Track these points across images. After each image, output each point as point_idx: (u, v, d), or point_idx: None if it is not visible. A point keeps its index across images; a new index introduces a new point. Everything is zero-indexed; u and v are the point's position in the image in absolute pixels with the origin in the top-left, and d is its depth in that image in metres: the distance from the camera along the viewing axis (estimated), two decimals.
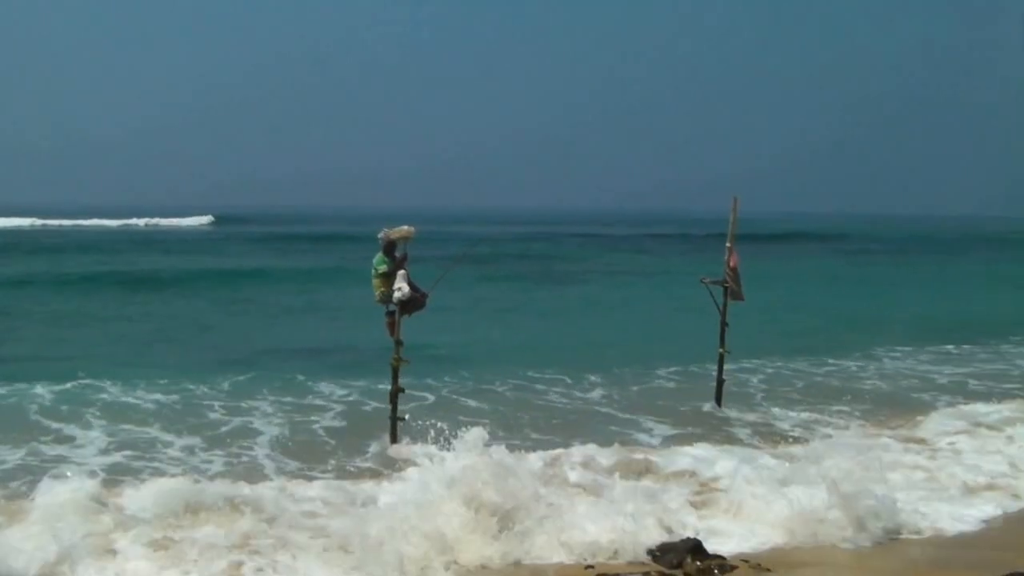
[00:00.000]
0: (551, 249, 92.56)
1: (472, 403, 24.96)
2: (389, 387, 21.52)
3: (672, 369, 29.05)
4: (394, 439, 21.36)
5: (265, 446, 20.99)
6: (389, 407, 21.57)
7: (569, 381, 27.56)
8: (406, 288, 21.26)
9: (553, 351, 31.90)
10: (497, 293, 51.35)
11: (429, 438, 18.54)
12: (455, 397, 25.54)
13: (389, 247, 21.50)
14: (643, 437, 22.13)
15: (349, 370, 27.87)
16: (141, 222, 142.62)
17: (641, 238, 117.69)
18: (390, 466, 19.51)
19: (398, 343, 21.47)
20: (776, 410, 24.59)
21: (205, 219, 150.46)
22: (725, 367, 24.79)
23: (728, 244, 24.39)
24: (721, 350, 24.62)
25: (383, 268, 21.40)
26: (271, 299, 47.10)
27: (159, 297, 47.69)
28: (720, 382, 24.74)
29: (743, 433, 22.58)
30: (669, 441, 21.74)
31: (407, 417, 21.78)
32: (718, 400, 24.65)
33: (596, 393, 26.36)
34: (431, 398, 25.26)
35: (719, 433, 22.46)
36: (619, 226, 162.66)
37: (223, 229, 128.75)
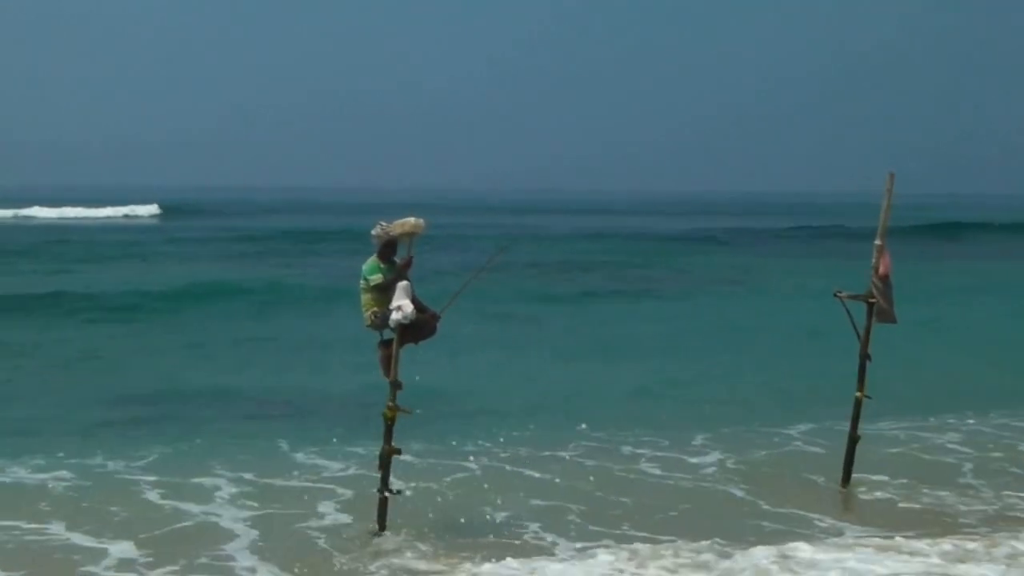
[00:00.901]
0: (608, 250, 70.79)
1: (532, 475, 18.18)
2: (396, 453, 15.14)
3: (804, 428, 21.60)
4: (382, 525, 14.98)
5: (246, 555, 14.38)
6: (379, 476, 15.11)
7: (666, 443, 20.46)
8: (409, 306, 14.85)
9: (632, 399, 24.47)
10: (542, 313, 39.37)
11: (461, 532, 13.44)
12: (501, 467, 18.73)
13: (387, 248, 15.11)
14: (787, 529, 15.57)
15: (338, 429, 20.87)
16: (52, 212, 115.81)
17: (714, 234, 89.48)
18: None
19: (395, 385, 15.03)
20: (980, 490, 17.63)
21: (147, 210, 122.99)
22: (878, 422, 17.89)
23: (877, 242, 17.49)
24: (859, 394, 17.75)
25: (377, 278, 15.02)
26: (219, 327, 34.72)
27: (55, 326, 34.38)
28: (852, 443, 17.89)
29: (890, 521, 15.77)
30: (824, 536, 15.11)
31: (406, 492, 15.43)
32: (846, 475, 17.84)
33: (709, 460, 19.37)
34: (462, 469, 18.55)
35: (868, 523, 15.73)
36: (677, 216, 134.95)
37: (172, 223, 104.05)
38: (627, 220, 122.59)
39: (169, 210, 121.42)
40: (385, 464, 15.12)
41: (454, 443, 19.83)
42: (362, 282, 15.21)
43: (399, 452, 15.29)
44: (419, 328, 15.13)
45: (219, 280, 45.68)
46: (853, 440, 17.77)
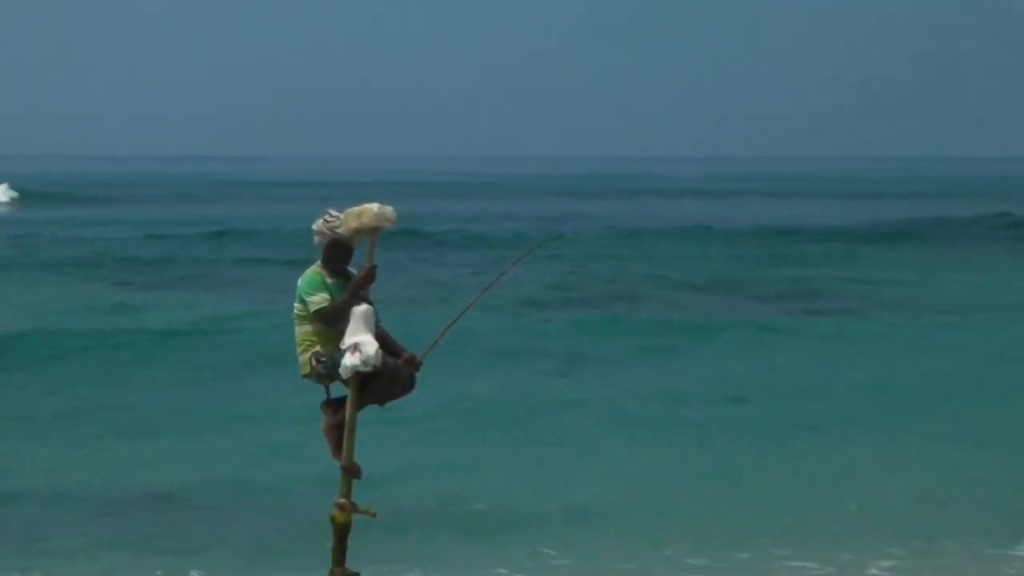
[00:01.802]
0: (727, 255, 50.08)
1: None
2: None
3: None
4: None
5: None
6: None
7: (831, 571, 13.58)
8: (372, 345, 9.39)
9: (763, 496, 16.37)
10: (603, 354, 26.64)
11: None
12: None
13: (335, 252, 9.63)
14: None
15: (252, 545, 14.41)
16: None
17: (893, 225, 64.30)
18: None
19: (349, 471, 9.44)
20: None
21: None
22: None
23: None
24: None
25: (319, 300, 9.54)
26: (61, 389, 23.34)
27: None
28: None
29: None
30: None
31: None
32: None
33: None
34: None
35: None
36: (819, 199, 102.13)
37: (28, 214, 75.88)
38: (747, 206, 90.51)
39: (28, 195, 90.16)
40: None
41: (452, 566, 13.69)
42: (297, 306, 9.63)
43: None
44: (387, 381, 9.52)
45: (79, 312, 31.82)
46: None
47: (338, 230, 9.51)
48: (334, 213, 9.62)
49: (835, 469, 17.78)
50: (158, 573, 13.65)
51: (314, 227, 9.60)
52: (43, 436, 19.88)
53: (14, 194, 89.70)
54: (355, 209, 9.59)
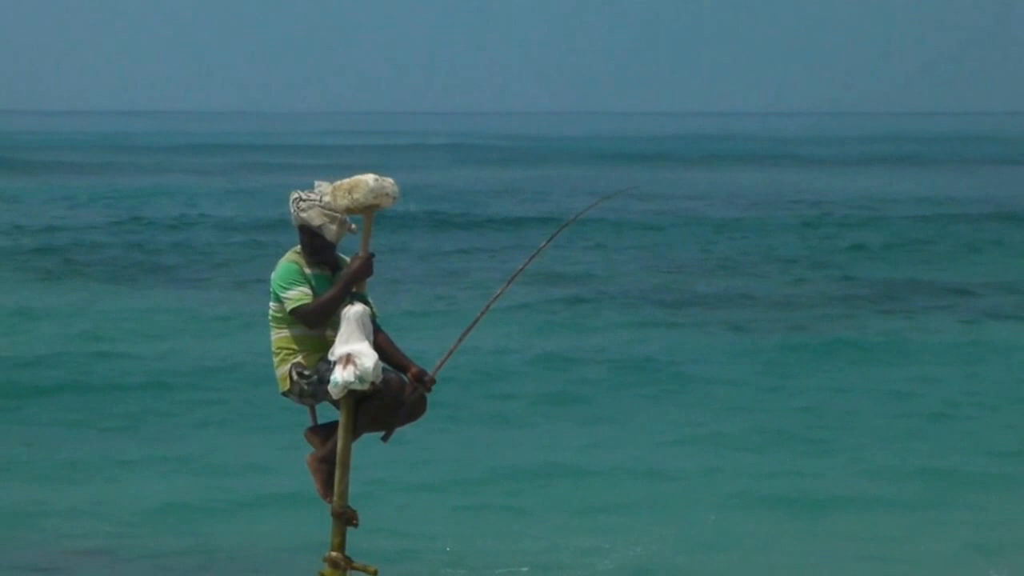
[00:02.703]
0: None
1: None
2: None
3: None
4: None
5: None
6: None
7: None
8: (370, 356, 7.35)
9: None
10: (692, 371, 21.57)
11: None
12: None
13: (307, 239, 7.51)
14: None
15: None
16: None
17: None
18: None
19: (341, 518, 7.27)
20: None
21: None
22: None
23: None
24: None
25: (299, 296, 7.50)
26: None
27: None
28: None
29: None
30: None
31: None
32: None
33: None
34: None
35: None
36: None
37: None
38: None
39: None
40: None
41: None
42: (272, 305, 7.57)
43: None
44: (390, 402, 7.50)
45: None
46: None
47: (334, 205, 7.44)
48: (322, 185, 7.58)
49: None
50: None
51: (292, 202, 7.56)
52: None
53: None
54: (346, 182, 7.57)
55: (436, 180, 65.33)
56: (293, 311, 7.43)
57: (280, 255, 7.62)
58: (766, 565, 12.61)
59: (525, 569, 12.24)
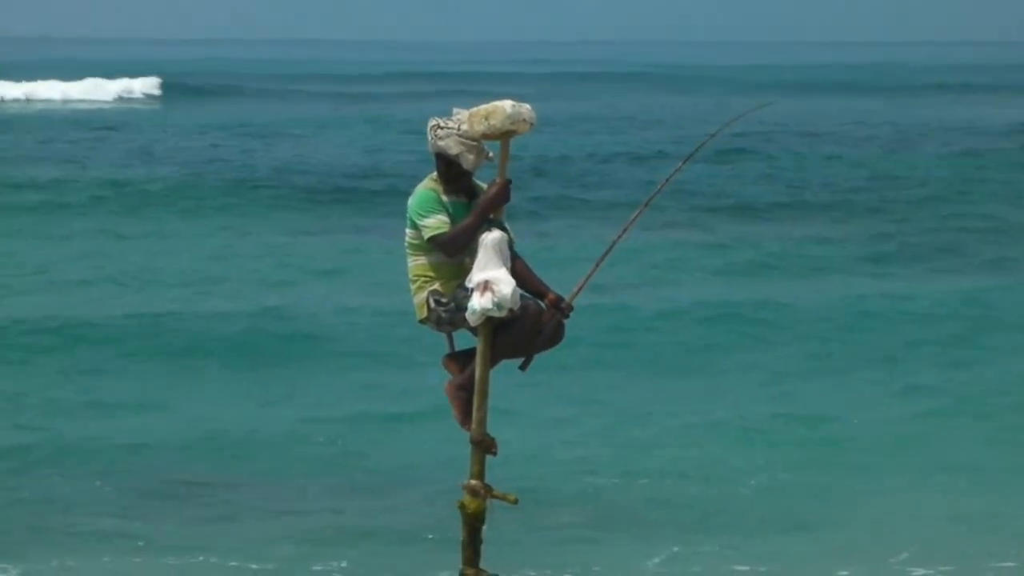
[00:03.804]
0: None
1: None
2: None
3: None
4: None
5: None
6: None
7: None
8: (508, 283, 7.30)
9: None
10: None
11: None
12: None
13: (451, 164, 7.45)
14: None
15: (376, 544, 12.05)
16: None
17: None
18: None
19: (481, 445, 7.52)
20: None
21: (143, 86, 76.09)
22: None
23: None
24: None
25: (436, 223, 7.46)
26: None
27: None
28: None
29: None
30: None
31: None
32: None
33: None
34: None
35: None
36: None
37: (175, 110, 63.60)
38: None
39: (175, 88, 74.55)
40: None
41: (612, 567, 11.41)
42: (408, 232, 7.55)
43: None
44: (528, 329, 7.45)
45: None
46: None
47: (471, 131, 7.36)
48: (459, 113, 7.51)
49: None
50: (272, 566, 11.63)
51: (430, 129, 7.50)
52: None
53: (158, 89, 74.94)
54: (483, 108, 7.49)
55: (574, 108, 64.73)
56: (431, 239, 7.41)
57: None
58: None
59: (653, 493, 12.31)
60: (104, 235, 28.02)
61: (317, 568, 11.67)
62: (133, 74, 77.75)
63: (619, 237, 7.62)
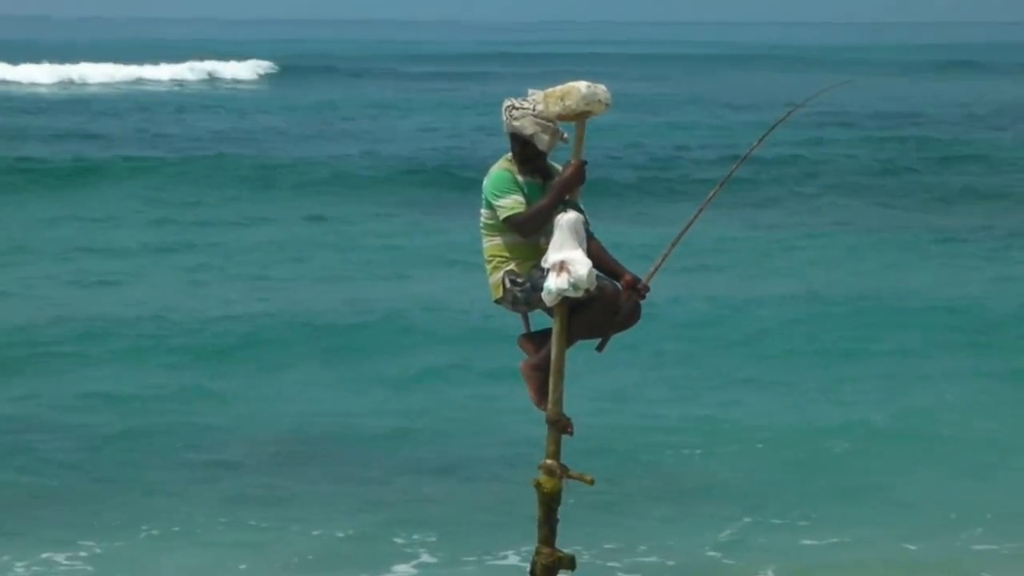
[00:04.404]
0: None
1: None
2: None
3: None
4: None
5: None
6: None
7: None
8: (584, 263, 7.26)
9: None
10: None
11: None
12: None
13: (526, 144, 7.43)
14: None
15: (435, 517, 12.43)
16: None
17: None
18: None
19: (556, 426, 7.47)
20: None
21: (251, 69, 73.81)
22: None
23: None
24: None
25: (512, 204, 7.44)
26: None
27: None
28: None
29: None
30: None
31: None
32: None
33: None
34: None
35: None
36: None
37: (285, 91, 61.53)
38: None
39: (291, 70, 72.01)
40: None
41: (689, 549, 11.48)
42: (483, 212, 7.57)
43: (572, 565, 7.45)
44: (604, 309, 7.42)
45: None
46: None
47: (546, 112, 7.35)
48: (534, 94, 7.49)
49: None
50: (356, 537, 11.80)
51: (505, 109, 7.50)
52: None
53: (274, 68, 72.48)
54: (558, 89, 7.46)
55: (651, 88, 64.21)
56: (506, 220, 7.40)
57: None
58: None
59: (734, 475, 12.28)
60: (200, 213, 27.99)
61: (398, 541, 11.93)
62: (224, 56, 76.62)
63: (695, 217, 7.58)
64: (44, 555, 11.59)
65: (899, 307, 19.83)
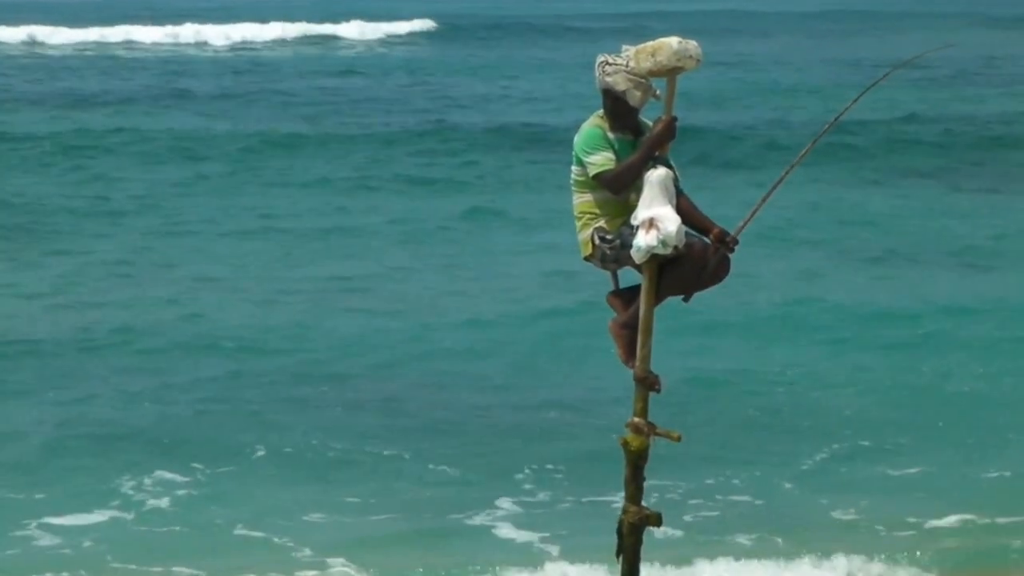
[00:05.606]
0: None
1: None
2: None
3: None
4: None
5: None
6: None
7: None
8: (673, 220, 7.25)
9: None
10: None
11: None
12: None
13: (618, 100, 7.41)
14: None
15: (512, 464, 12.84)
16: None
17: None
18: None
19: (644, 383, 7.49)
20: None
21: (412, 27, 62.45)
22: None
23: None
24: None
25: (602, 160, 7.41)
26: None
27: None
28: None
29: None
30: None
31: None
32: None
33: None
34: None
35: None
36: None
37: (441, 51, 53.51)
38: None
39: (453, 29, 61.91)
40: (631, 547, 7.39)
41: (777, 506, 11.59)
42: (574, 169, 7.58)
43: (659, 523, 7.46)
44: (693, 265, 7.40)
45: None
46: None
47: (639, 69, 7.31)
48: (628, 49, 7.46)
49: None
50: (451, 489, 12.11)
51: (598, 66, 7.48)
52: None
53: (434, 26, 63.19)
54: (649, 45, 7.43)
55: (743, 46, 62.98)
56: (596, 176, 7.39)
57: None
58: None
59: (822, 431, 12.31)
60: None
61: (489, 495, 12.23)
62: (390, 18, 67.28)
63: (786, 173, 7.53)
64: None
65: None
